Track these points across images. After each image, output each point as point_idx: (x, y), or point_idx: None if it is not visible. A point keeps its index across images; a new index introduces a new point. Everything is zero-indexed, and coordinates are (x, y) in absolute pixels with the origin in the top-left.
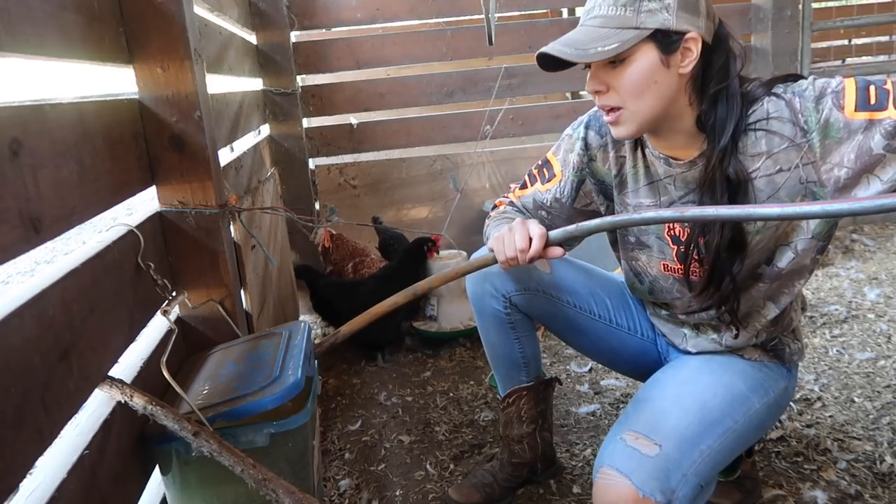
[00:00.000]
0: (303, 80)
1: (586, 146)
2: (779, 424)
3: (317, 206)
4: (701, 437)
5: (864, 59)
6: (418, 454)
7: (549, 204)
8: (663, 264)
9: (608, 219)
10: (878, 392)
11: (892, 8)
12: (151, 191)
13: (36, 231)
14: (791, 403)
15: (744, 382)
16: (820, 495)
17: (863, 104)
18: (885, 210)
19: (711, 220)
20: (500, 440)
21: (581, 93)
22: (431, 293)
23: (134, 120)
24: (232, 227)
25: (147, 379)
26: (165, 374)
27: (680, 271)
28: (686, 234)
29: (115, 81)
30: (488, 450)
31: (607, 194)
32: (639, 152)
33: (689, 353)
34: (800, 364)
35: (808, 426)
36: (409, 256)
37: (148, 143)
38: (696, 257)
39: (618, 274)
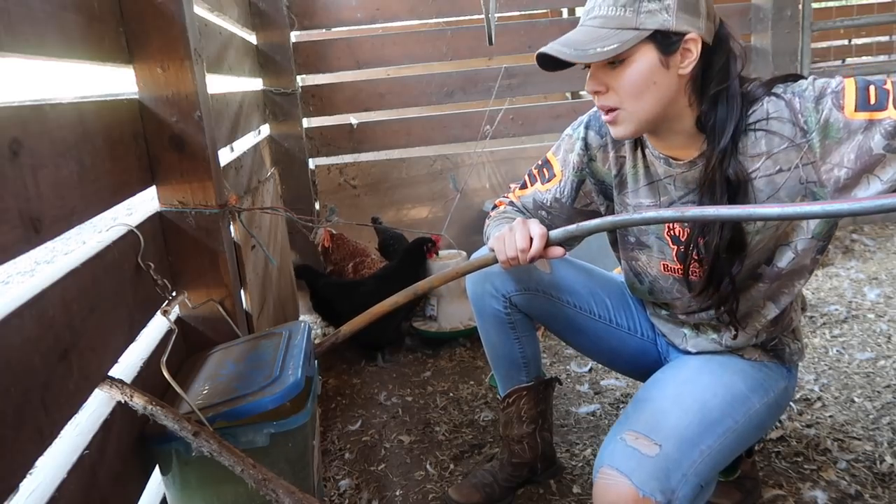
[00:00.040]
0: (303, 80)
1: (586, 146)
2: (779, 424)
3: (317, 206)
4: (701, 437)
5: (864, 59)
6: (418, 454)
7: (549, 204)
8: (663, 264)
9: (608, 219)
10: (878, 392)
11: (892, 8)
12: (151, 191)
13: (36, 231)
14: (791, 403)
15: (744, 382)
16: (820, 495)
17: (863, 104)
18: (885, 210)
19: (711, 220)
20: (500, 440)
21: (581, 93)
22: (431, 293)
23: (134, 120)
24: (232, 227)
25: (147, 379)
26: (165, 374)
27: (679, 271)
28: (686, 234)
29: (115, 81)
30: (488, 450)
31: (607, 194)
32: (639, 152)
33: (688, 353)
34: (800, 364)
35: (808, 426)
36: (409, 256)
37: (148, 143)
38: (696, 257)
39: (618, 273)
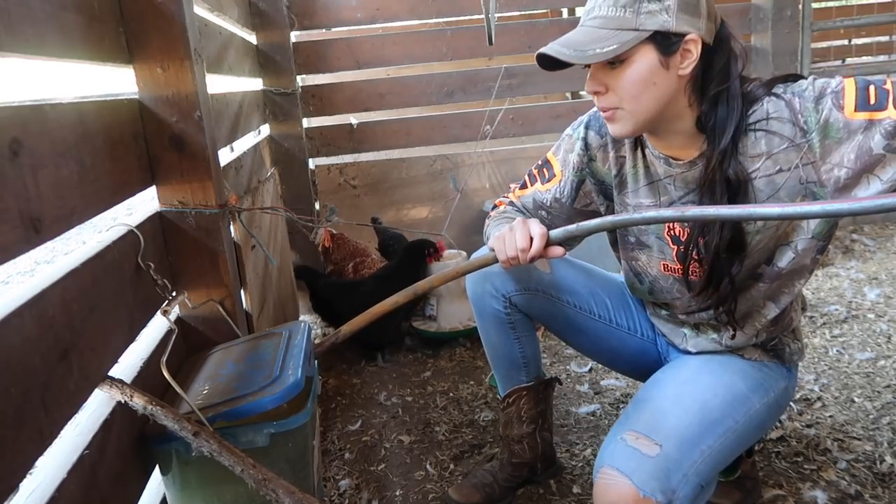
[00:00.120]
0: (303, 80)
1: (586, 146)
2: (779, 424)
3: (317, 206)
4: (701, 437)
5: (864, 59)
6: (418, 454)
7: (549, 204)
8: (663, 264)
9: (608, 219)
10: (878, 392)
11: (892, 8)
12: (151, 191)
13: (36, 231)
14: (791, 403)
15: (744, 382)
16: (820, 495)
17: (862, 104)
18: (885, 210)
19: (711, 220)
20: (500, 440)
21: (581, 93)
22: (431, 293)
23: (134, 120)
24: (232, 227)
25: (147, 379)
26: (165, 374)
27: (679, 271)
28: (686, 234)
29: (115, 81)
30: (488, 450)
31: (607, 194)
32: (639, 152)
33: (689, 352)
34: (800, 364)
35: (808, 426)
36: (408, 256)
37: (148, 143)
38: (696, 257)
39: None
